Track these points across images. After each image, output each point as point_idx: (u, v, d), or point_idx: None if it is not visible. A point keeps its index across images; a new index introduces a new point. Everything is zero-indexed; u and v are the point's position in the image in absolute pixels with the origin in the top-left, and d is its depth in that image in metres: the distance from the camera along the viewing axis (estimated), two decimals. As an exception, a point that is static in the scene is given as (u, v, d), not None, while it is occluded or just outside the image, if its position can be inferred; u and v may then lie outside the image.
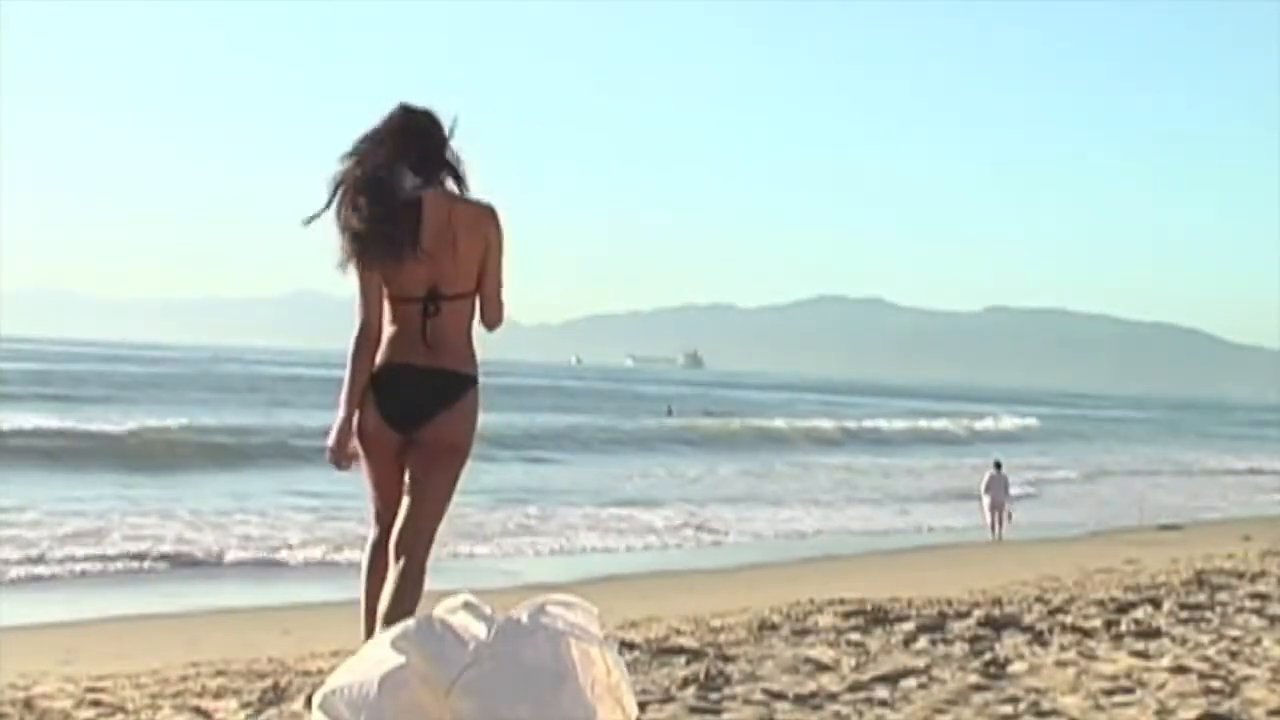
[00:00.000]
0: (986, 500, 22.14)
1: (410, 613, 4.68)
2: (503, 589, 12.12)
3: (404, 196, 4.65)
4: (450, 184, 4.82)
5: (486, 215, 4.81)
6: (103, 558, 14.82)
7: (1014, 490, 23.77)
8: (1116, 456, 48.51)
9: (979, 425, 62.89)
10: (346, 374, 4.79)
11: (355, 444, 4.83)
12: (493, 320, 4.91)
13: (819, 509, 25.15)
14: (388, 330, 4.77)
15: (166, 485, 23.87)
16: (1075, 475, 38.01)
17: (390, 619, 4.65)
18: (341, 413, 4.81)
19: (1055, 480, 35.74)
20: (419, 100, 5.00)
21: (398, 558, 4.78)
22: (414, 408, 4.74)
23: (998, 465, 23.30)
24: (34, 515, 18.35)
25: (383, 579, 4.83)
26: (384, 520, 4.90)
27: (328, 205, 4.71)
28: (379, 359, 4.76)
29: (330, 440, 4.86)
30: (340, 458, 4.88)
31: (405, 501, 4.79)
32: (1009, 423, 67.60)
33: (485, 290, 4.82)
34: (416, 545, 4.79)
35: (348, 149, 4.75)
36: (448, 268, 4.70)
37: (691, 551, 18.86)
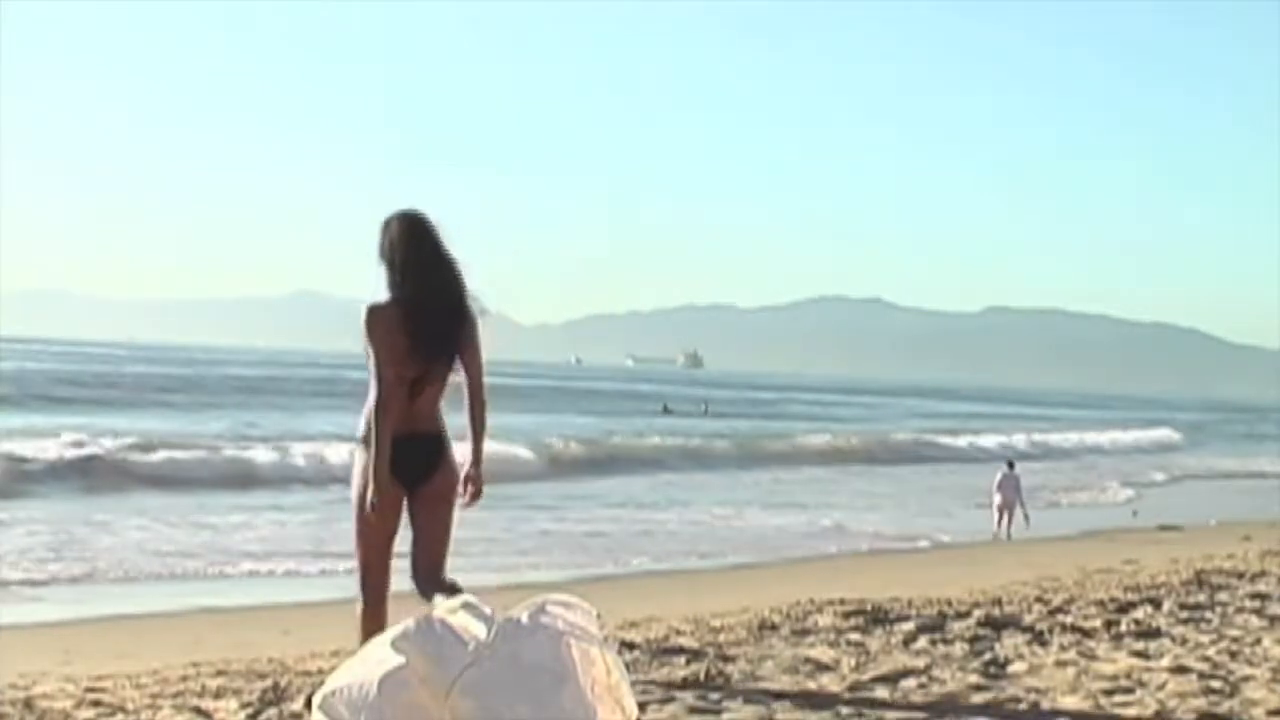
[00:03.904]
0: (997, 499, 22.35)
1: None
2: (503, 589, 12.12)
3: (463, 316, 5.60)
4: (462, 282, 5.66)
5: (474, 324, 5.68)
6: (98, 571, 14.71)
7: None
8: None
9: (1115, 438, 60.49)
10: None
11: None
12: (483, 401, 5.74)
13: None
14: (374, 398, 5.52)
15: (167, 493, 23.83)
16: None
17: None
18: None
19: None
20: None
21: (425, 586, 5.59)
22: (415, 466, 5.57)
23: (1010, 464, 23.63)
24: (38, 524, 18.29)
25: (382, 627, 5.39)
26: (370, 580, 5.66)
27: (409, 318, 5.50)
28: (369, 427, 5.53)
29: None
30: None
31: (419, 541, 5.67)
32: (1157, 434, 65.84)
33: (474, 378, 5.69)
34: (437, 571, 5.65)
35: (391, 260, 5.55)
36: (448, 362, 5.61)
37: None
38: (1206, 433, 78.58)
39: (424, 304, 5.51)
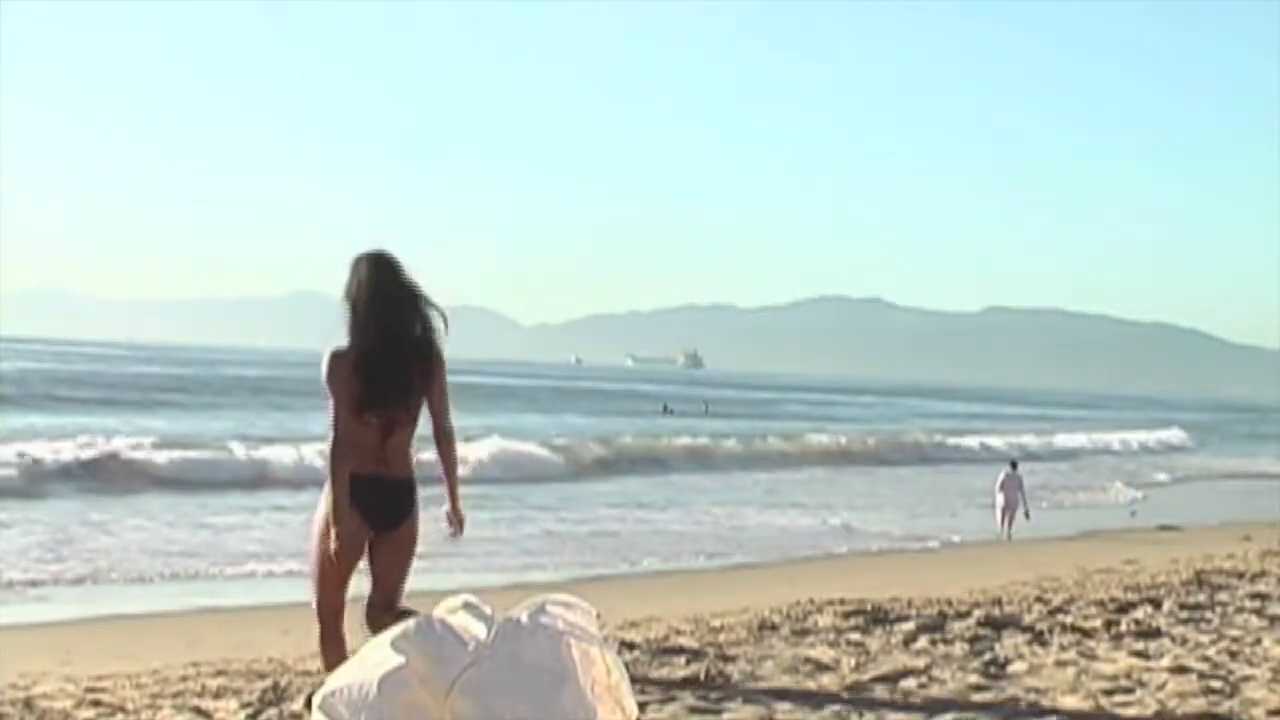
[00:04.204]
0: (1000, 499, 22.46)
1: None
2: (503, 589, 12.11)
3: (410, 352, 5.55)
4: (424, 325, 5.63)
5: (436, 360, 5.64)
6: (99, 571, 14.69)
7: None
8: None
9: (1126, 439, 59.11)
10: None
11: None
12: (450, 439, 5.74)
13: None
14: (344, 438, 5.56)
15: (170, 493, 23.82)
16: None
17: None
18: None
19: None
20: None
21: (376, 622, 5.46)
22: (384, 511, 5.58)
23: (1013, 465, 23.86)
24: (39, 524, 18.31)
25: (341, 653, 5.42)
26: (326, 612, 5.64)
27: (357, 358, 5.50)
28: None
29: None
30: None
31: (377, 584, 5.67)
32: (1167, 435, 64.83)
33: (439, 418, 5.68)
34: (389, 613, 5.52)
35: (355, 300, 5.55)
36: (410, 402, 5.60)
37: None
38: (1213, 433, 78.31)
39: (384, 348, 5.50)
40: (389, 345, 5.51)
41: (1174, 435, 65.82)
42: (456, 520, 5.73)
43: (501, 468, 28.82)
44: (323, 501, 5.59)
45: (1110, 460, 47.84)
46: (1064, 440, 55.04)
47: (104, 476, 24.33)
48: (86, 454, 25.65)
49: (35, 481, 22.73)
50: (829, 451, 42.10)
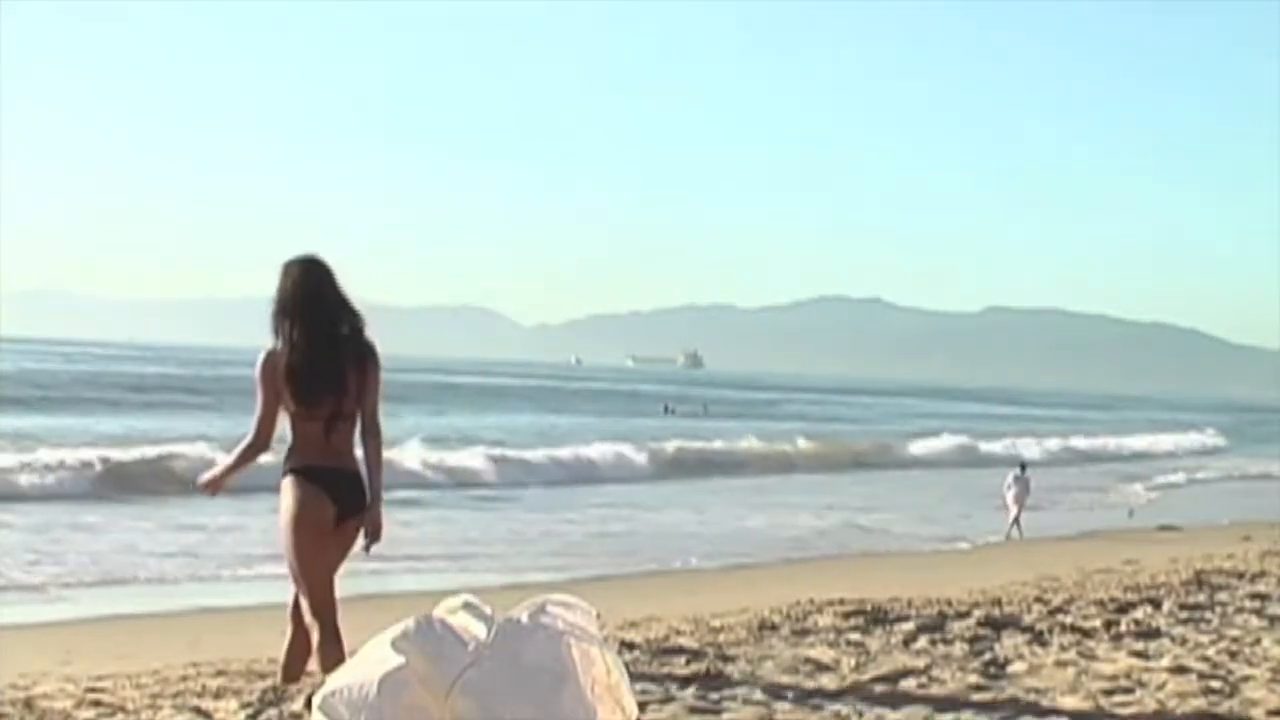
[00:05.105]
0: (1009, 498, 22.62)
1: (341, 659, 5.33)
2: (503, 589, 12.11)
3: (340, 349, 5.67)
4: (352, 325, 5.75)
5: (371, 358, 5.75)
6: (99, 571, 14.71)
7: None
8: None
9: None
10: (234, 456, 5.83)
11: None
12: (376, 435, 5.81)
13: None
14: (291, 438, 5.73)
15: (170, 494, 23.82)
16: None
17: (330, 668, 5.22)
18: (227, 465, 5.89)
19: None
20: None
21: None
22: (345, 500, 5.71)
23: (1022, 467, 24.21)
24: (39, 526, 18.32)
25: (340, 652, 5.51)
26: (318, 606, 5.80)
27: (283, 353, 5.65)
28: (301, 460, 5.70)
29: (211, 474, 5.97)
30: (214, 489, 5.97)
31: None
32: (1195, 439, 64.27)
33: (367, 414, 5.77)
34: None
35: (282, 306, 5.69)
36: (347, 397, 5.69)
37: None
38: (1242, 435, 77.60)
39: (316, 347, 5.63)
40: (320, 344, 5.64)
41: (1208, 438, 65.29)
42: (373, 527, 5.73)
43: (501, 472, 29.00)
44: (285, 498, 5.69)
45: (1150, 463, 46.72)
46: (1082, 444, 53.96)
47: (104, 478, 24.33)
48: (87, 456, 25.69)
49: (36, 484, 22.77)
50: (829, 452, 42.08)
